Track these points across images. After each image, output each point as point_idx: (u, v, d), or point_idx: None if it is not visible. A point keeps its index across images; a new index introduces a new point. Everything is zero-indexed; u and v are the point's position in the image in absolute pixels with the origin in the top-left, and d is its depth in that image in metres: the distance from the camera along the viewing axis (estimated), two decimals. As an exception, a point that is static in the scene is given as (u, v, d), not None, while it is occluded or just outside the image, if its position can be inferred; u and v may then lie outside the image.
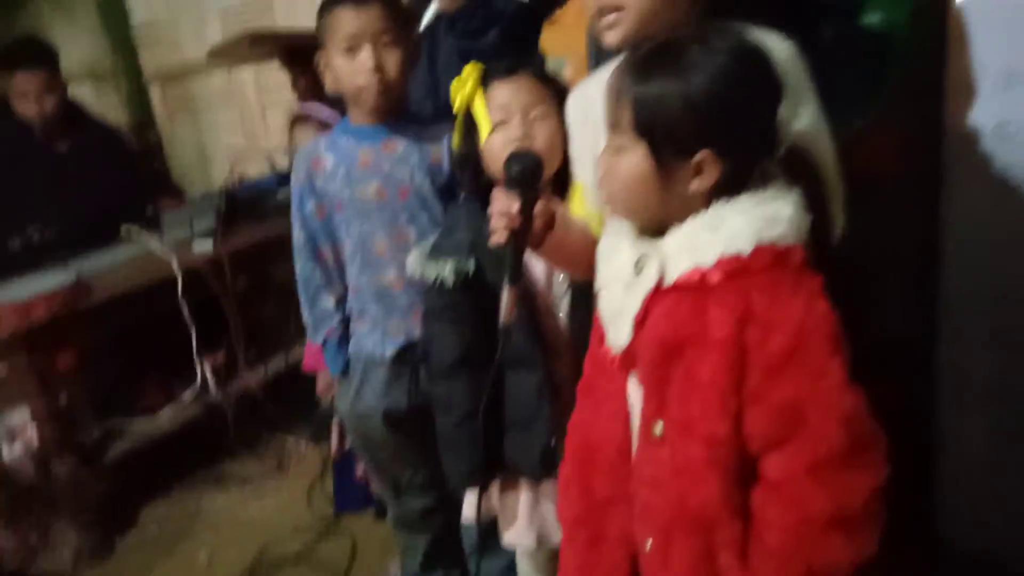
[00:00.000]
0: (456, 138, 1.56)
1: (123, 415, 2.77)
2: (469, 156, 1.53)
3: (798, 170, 1.07)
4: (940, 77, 1.84)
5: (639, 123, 1.04)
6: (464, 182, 1.58)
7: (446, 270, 1.49)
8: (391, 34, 1.61)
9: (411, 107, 1.81)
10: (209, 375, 2.74)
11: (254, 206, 2.90)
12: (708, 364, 1.02)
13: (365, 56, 1.59)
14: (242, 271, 2.73)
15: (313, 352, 2.05)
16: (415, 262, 1.54)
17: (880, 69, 1.72)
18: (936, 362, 1.93)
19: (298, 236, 1.79)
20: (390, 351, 1.75)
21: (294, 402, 2.84)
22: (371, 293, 1.75)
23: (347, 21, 1.59)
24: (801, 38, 1.26)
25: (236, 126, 3.61)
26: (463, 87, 1.50)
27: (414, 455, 1.84)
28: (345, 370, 1.82)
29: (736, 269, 1.01)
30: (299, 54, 2.61)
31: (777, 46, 1.19)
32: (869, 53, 1.70)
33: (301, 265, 1.81)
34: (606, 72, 1.37)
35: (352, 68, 1.61)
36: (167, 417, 2.79)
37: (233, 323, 2.69)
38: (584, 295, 1.48)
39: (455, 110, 1.53)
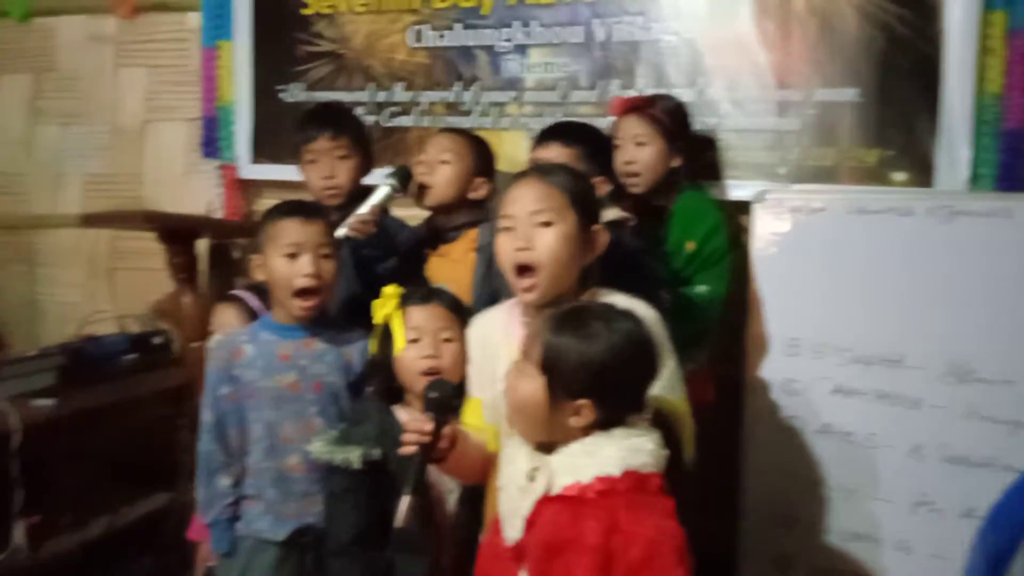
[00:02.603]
0: (373, 345, 1.82)
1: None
2: (383, 363, 1.79)
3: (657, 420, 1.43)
4: (742, 340, 2.33)
5: (544, 362, 1.36)
6: (375, 383, 1.82)
7: (354, 455, 1.68)
8: (328, 247, 1.87)
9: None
10: (23, 537, 2.64)
11: (99, 366, 2.90)
12: (581, 565, 1.29)
13: (305, 262, 1.83)
14: (80, 431, 2.70)
15: (198, 523, 2.08)
16: (322, 447, 1.73)
17: (704, 327, 2.18)
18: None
19: (207, 416, 1.91)
20: (282, 534, 1.86)
21: (107, 573, 2.77)
22: (271, 477, 1.87)
23: (293, 230, 1.84)
24: (649, 301, 1.65)
25: (77, 284, 3.61)
26: (385, 305, 1.78)
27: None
28: (230, 551, 1.89)
29: (607, 488, 1.31)
30: (180, 236, 2.76)
31: (645, 313, 1.56)
32: (696, 315, 2.16)
33: (205, 443, 1.91)
34: (501, 311, 1.71)
35: (290, 271, 1.83)
36: (-33, 582, 2.62)
37: (65, 486, 2.63)
38: (470, 494, 1.74)
39: (375, 322, 1.80)
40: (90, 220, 2.96)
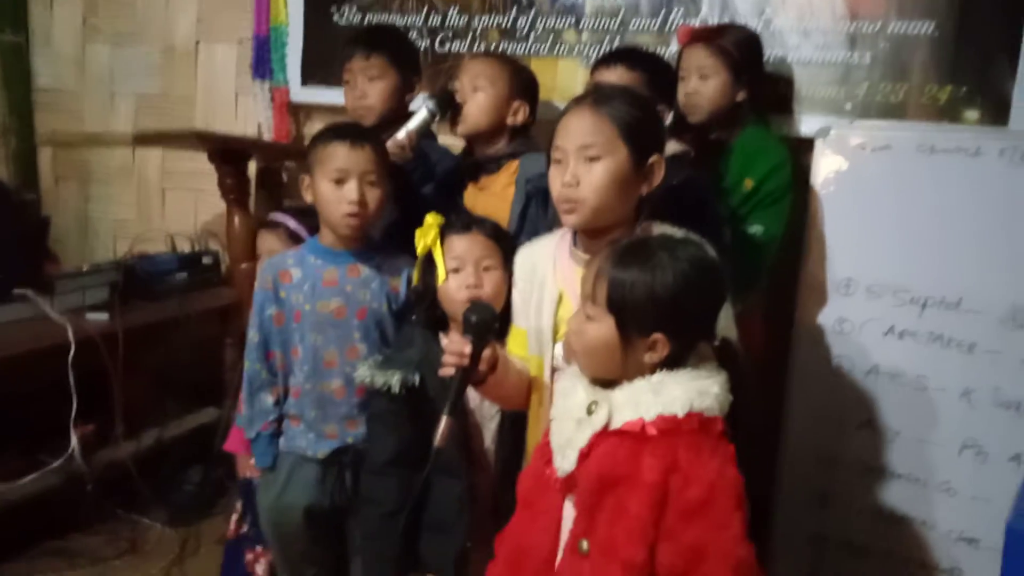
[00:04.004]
0: (416, 275, 1.81)
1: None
2: (426, 292, 1.78)
3: (725, 358, 1.38)
4: (796, 279, 2.27)
5: (612, 301, 1.32)
6: (419, 311, 1.81)
7: (394, 380, 1.70)
8: (375, 174, 1.84)
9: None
10: (77, 445, 2.71)
11: (150, 284, 2.94)
12: (636, 500, 1.27)
13: (350, 189, 1.81)
14: (132, 346, 2.75)
15: (237, 436, 2.15)
16: (366, 371, 1.74)
17: (758, 266, 2.13)
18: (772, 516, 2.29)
19: (252, 336, 1.93)
20: (322, 452, 1.90)
21: (157, 483, 2.86)
22: (313, 398, 1.90)
23: (340, 155, 1.81)
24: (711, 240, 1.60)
25: (129, 202, 3.65)
26: (425, 235, 1.76)
27: (323, 554, 1.96)
28: (272, 465, 1.94)
29: (670, 427, 1.28)
30: (231, 157, 2.76)
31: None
32: (749, 255, 2.10)
33: (250, 363, 1.94)
34: (550, 240, 1.68)
35: (336, 196, 1.82)
36: (25, 486, 2.71)
37: (117, 397, 2.70)
38: (511, 421, 1.74)
39: (417, 253, 1.78)
40: (142, 139, 2.96)
